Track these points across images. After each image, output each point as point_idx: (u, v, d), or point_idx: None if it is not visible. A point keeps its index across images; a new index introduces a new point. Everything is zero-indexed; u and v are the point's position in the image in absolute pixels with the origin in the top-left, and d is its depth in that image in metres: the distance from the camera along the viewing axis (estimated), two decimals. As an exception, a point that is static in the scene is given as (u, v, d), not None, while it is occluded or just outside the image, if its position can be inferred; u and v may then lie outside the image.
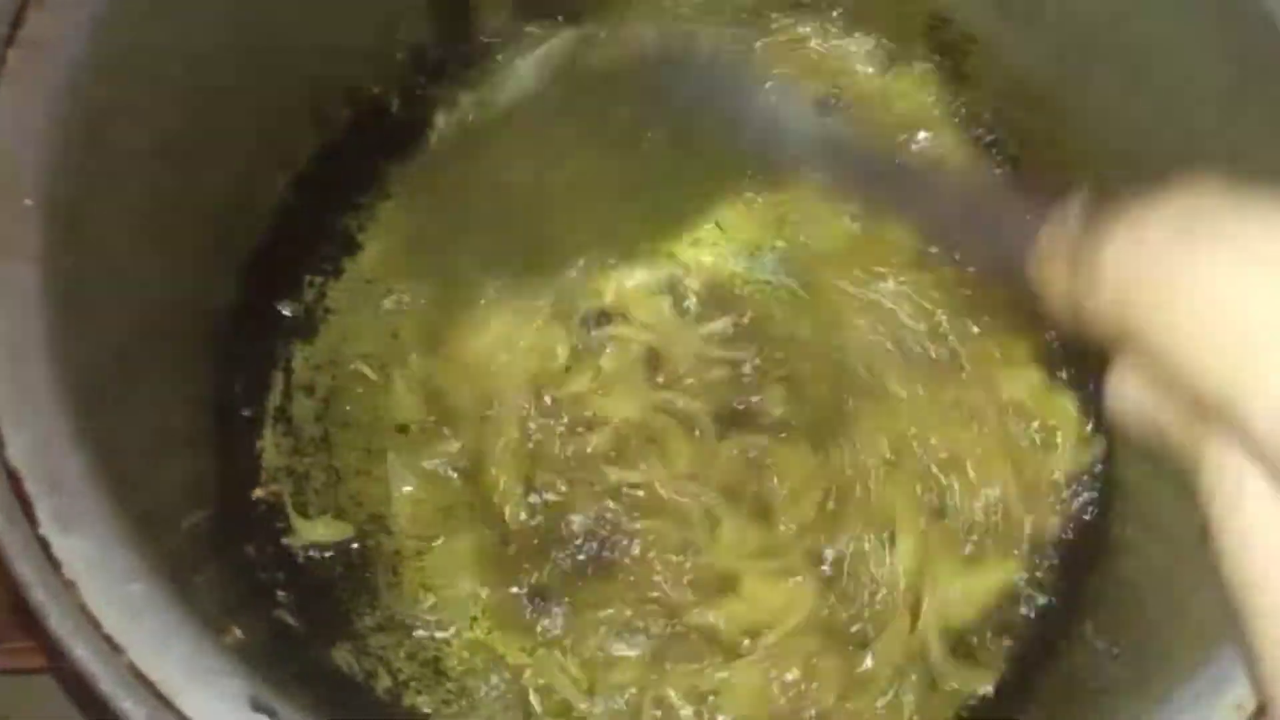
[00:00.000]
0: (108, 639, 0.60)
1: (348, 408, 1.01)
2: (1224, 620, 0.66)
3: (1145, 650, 0.77)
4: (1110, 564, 0.92)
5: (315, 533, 0.96)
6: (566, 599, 0.94)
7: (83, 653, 0.59)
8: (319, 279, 1.04)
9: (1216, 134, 0.84)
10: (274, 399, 1.00)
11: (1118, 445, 0.95)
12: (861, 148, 0.90)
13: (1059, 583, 0.94)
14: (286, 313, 1.02)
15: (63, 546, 0.61)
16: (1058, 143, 1.00)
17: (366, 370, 1.01)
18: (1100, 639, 0.85)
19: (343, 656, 0.93)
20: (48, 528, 0.61)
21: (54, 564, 0.61)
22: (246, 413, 0.99)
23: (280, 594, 0.93)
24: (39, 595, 0.60)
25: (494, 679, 0.93)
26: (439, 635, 0.95)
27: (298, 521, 0.96)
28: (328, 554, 0.96)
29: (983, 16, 1.00)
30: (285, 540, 0.96)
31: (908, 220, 0.89)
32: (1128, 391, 0.48)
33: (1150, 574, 0.85)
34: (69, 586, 0.60)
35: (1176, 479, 0.85)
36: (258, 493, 0.96)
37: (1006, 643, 0.94)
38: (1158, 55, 0.87)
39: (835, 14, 1.06)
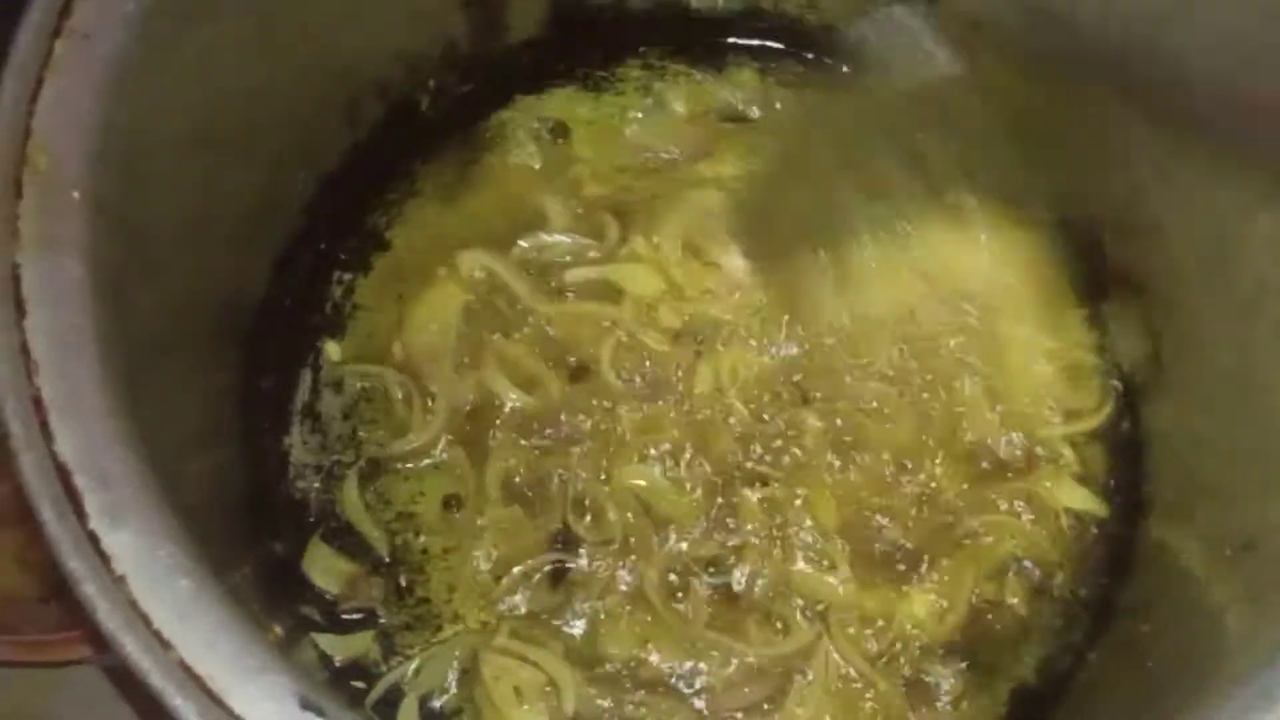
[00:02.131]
0: (158, 635, 0.59)
1: (375, 405, 1.00)
2: (1265, 634, 0.68)
3: (1183, 665, 0.77)
4: (1143, 576, 0.92)
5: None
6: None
7: (133, 649, 0.59)
8: (348, 275, 1.04)
9: (1258, 143, 0.84)
10: (302, 395, 1.00)
11: (1153, 456, 0.96)
12: None
13: (1092, 594, 0.95)
14: (314, 309, 1.02)
15: (113, 541, 0.61)
16: (1092, 148, 1.00)
17: (394, 367, 1.01)
18: (1133, 655, 0.85)
19: (370, 654, 0.93)
20: (97, 522, 0.61)
21: (103, 558, 0.60)
22: (274, 410, 0.99)
23: (308, 592, 0.93)
24: (89, 589, 0.60)
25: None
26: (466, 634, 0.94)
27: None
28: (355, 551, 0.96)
29: (1015, 24, 0.99)
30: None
31: None
32: None
33: (1185, 587, 0.85)
34: (119, 581, 0.60)
35: (1213, 489, 0.87)
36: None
37: (1038, 653, 0.94)
38: (1200, 63, 0.86)
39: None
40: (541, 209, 1.05)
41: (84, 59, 0.71)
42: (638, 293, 1.01)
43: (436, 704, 0.92)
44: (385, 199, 1.06)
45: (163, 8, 0.74)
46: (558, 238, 1.04)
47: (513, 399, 0.98)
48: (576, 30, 1.08)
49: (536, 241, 1.03)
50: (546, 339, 1.00)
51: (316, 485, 0.98)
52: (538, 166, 1.08)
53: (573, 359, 1.00)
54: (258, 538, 0.93)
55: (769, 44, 1.11)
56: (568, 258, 1.03)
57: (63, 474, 0.62)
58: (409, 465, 0.98)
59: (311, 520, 0.97)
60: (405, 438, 0.98)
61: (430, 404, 0.99)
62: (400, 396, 0.99)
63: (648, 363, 1.00)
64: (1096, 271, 1.04)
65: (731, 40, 1.11)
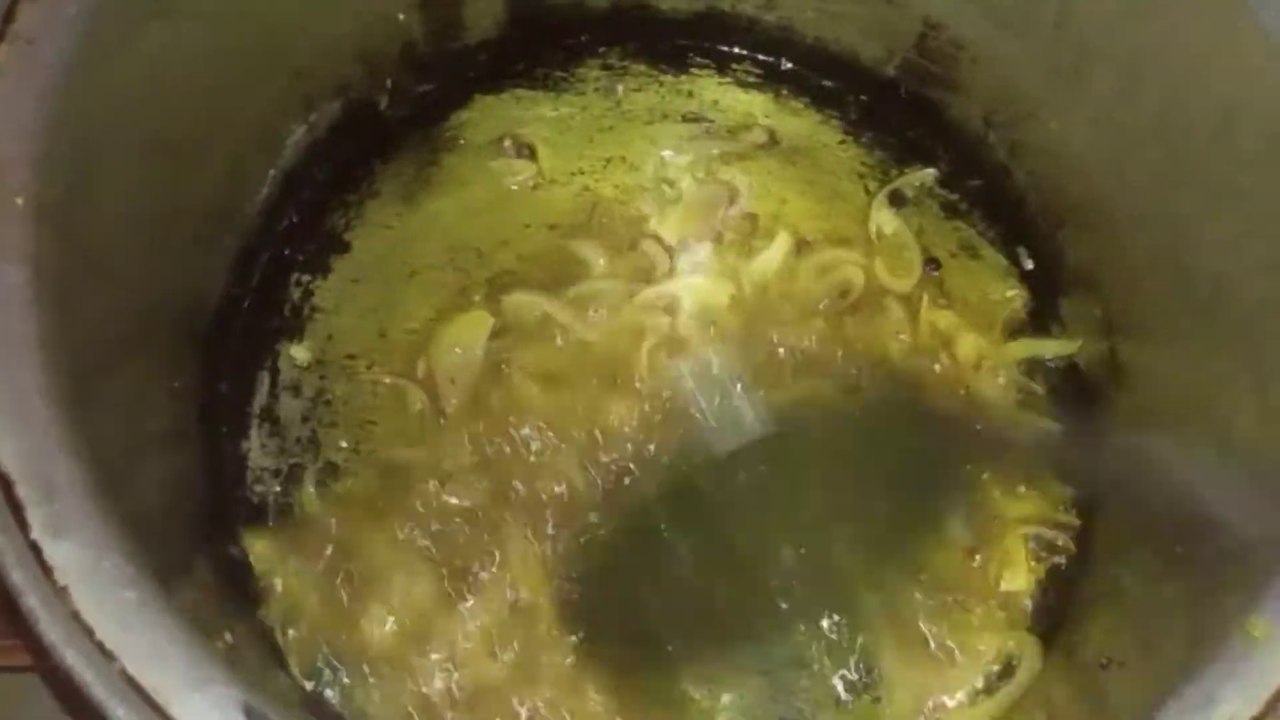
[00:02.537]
0: (100, 646, 0.59)
1: (335, 408, 1.00)
2: (1211, 634, 0.68)
3: (1132, 664, 0.77)
4: (1094, 572, 0.92)
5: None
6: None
7: (75, 660, 0.58)
8: (306, 278, 1.03)
9: (1211, 145, 0.84)
10: (260, 399, 1.00)
11: (1106, 457, 0.96)
12: None
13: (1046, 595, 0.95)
14: (273, 312, 1.02)
15: (55, 553, 0.60)
16: (1048, 151, 1.01)
17: (354, 370, 1.00)
18: (1087, 651, 0.85)
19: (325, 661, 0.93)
20: (39, 533, 0.60)
21: (46, 570, 0.60)
22: (232, 413, 0.98)
23: (265, 597, 0.93)
24: (30, 602, 0.59)
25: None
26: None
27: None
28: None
29: (975, 24, 0.99)
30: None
31: None
32: None
33: (1135, 584, 0.85)
34: (61, 593, 0.59)
35: (1163, 495, 0.88)
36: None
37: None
38: (1154, 64, 0.87)
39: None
40: (581, 257, 1.04)
41: (28, 64, 0.70)
42: (702, 303, 1.01)
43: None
44: (344, 200, 1.06)
45: (108, 10, 0.74)
46: (603, 284, 1.03)
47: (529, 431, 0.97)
48: (535, 31, 1.08)
49: (583, 289, 1.02)
50: (583, 358, 1.00)
51: (275, 489, 0.97)
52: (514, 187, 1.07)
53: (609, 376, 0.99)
54: (214, 542, 0.92)
55: (729, 49, 1.11)
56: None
57: (4, 484, 0.61)
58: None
59: (269, 524, 0.96)
60: (415, 449, 0.97)
61: (442, 421, 0.98)
62: (417, 410, 0.99)
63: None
64: (1053, 269, 1.05)
65: (692, 42, 1.11)
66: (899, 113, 1.09)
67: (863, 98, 1.10)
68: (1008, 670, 0.92)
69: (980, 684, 0.91)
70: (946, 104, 1.07)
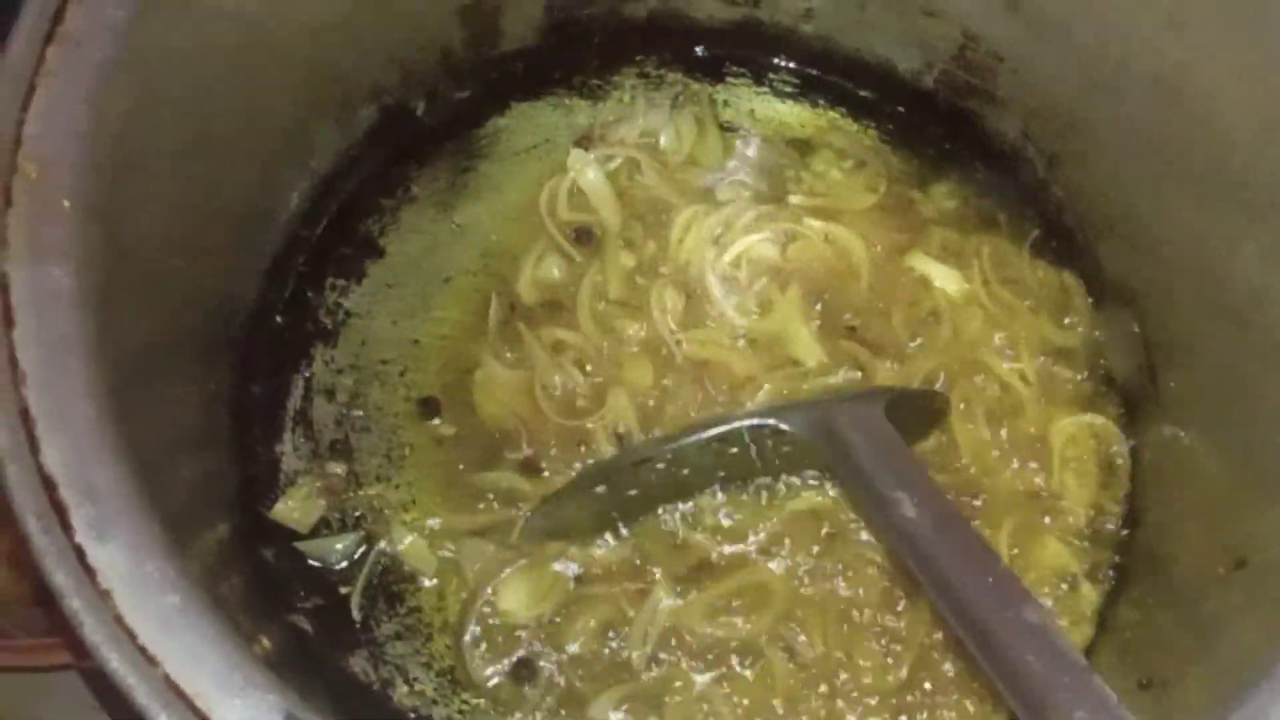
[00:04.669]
0: (143, 650, 0.59)
1: (368, 413, 1.00)
2: (1257, 653, 0.67)
3: (1174, 684, 0.77)
4: (1134, 593, 0.92)
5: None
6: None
7: (118, 665, 0.58)
8: (341, 282, 1.03)
9: (1251, 161, 0.83)
10: (294, 402, 1.00)
11: (1144, 468, 0.95)
12: None
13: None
14: (307, 316, 1.02)
15: (98, 555, 0.60)
16: (1087, 164, 1.00)
17: (388, 375, 1.00)
18: (1126, 670, 0.85)
19: (359, 664, 0.93)
20: (83, 536, 0.61)
21: (89, 573, 0.60)
22: (266, 416, 0.98)
23: (298, 601, 0.93)
24: (74, 604, 0.59)
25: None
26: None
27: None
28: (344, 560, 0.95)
29: (1015, 37, 0.99)
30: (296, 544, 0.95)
31: None
32: None
33: (1177, 604, 0.84)
34: (105, 596, 0.59)
35: (1204, 504, 0.87)
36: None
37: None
38: (1192, 78, 0.87)
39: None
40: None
41: (75, 65, 0.70)
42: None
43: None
44: (380, 205, 1.06)
45: (154, 12, 0.74)
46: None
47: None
48: (572, 38, 1.08)
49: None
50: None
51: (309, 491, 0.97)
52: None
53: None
54: (248, 545, 0.92)
55: (766, 59, 1.11)
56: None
57: (49, 487, 0.61)
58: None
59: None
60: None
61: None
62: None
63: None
64: (1091, 281, 1.04)
65: (729, 51, 1.11)
66: (936, 124, 1.09)
67: (900, 108, 1.10)
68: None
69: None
70: (984, 116, 1.07)
